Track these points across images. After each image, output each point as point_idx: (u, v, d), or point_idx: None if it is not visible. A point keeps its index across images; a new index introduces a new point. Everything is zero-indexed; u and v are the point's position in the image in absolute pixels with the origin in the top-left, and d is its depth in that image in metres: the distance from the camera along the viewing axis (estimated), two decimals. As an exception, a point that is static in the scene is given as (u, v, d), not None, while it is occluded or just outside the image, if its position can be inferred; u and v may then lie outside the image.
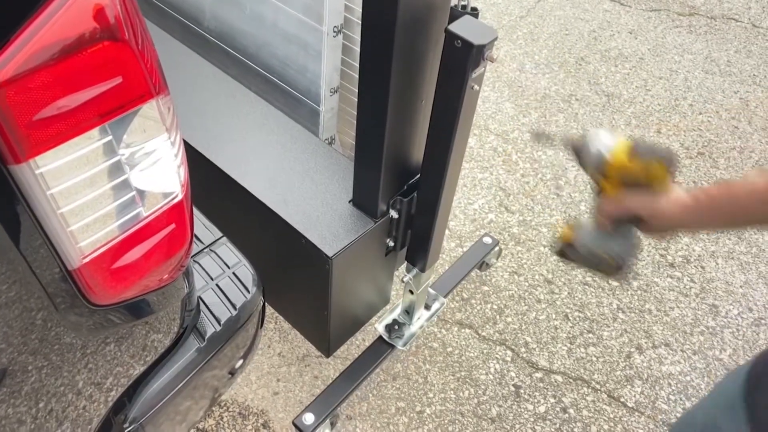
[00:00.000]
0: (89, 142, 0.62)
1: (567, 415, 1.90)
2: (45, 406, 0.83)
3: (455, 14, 1.12)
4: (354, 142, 1.36)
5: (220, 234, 1.20)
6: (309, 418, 1.59)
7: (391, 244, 1.53)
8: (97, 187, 0.66)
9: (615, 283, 2.25)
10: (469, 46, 1.04)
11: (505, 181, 2.61)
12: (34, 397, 0.80)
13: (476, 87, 1.13)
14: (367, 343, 1.92)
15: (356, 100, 1.25)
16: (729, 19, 3.66)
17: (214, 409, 1.84)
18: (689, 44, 3.49)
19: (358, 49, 1.46)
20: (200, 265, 1.14)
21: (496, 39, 1.07)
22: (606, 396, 1.95)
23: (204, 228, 1.21)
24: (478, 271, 2.23)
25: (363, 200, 1.41)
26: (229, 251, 1.17)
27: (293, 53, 1.57)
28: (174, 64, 1.70)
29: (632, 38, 3.50)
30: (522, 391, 1.95)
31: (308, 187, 1.46)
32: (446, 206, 1.45)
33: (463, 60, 1.07)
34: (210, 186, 1.52)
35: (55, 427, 0.87)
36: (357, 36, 1.43)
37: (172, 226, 0.78)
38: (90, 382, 0.87)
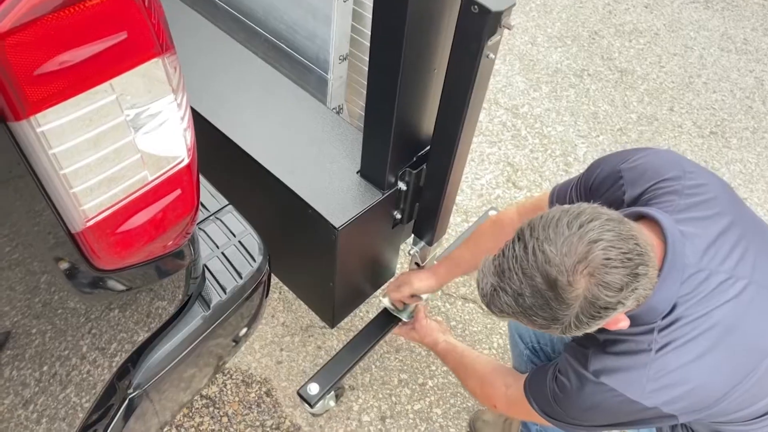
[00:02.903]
0: (93, 101, 0.60)
1: (569, 391, 1.91)
2: (49, 369, 0.82)
3: (472, -21, 1.07)
4: (362, 112, 1.33)
5: (226, 202, 1.18)
6: (314, 388, 1.60)
7: (399, 216, 1.51)
8: (101, 148, 0.63)
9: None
10: (486, 12, 1.01)
11: (513, 157, 2.58)
12: (38, 361, 0.79)
13: (491, 55, 1.09)
14: (371, 316, 1.92)
15: (366, 68, 1.22)
16: (748, -5, 3.57)
17: (217, 376, 1.85)
18: (705, 20, 3.41)
19: (368, 14, 1.41)
20: (206, 232, 1.12)
21: (514, 5, 1.03)
22: (608, 373, 1.95)
23: (209, 195, 1.19)
24: (484, 246, 2.21)
25: (371, 171, 1.39)
26: (235, 219, 1.15)
27: (302, 18, 1.53)
28: (179, 28, 1.65)
29: (647, 12, 3.41)
30: (524, 366, 1.95)
31: (315, 157, 1.43)
32: (456, 179, 1.43)
33: (479, 26, 1.03)
34: (215, 153, 1.49)
35: (59, 390, 0.87)
36: (368, 1, 1.39)
37: (178, 191, 0.76)
38: (94, 347, 0.87)
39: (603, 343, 1.04)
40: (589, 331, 0.95)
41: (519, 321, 0.97)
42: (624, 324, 0.97)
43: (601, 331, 1.02)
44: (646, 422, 1.04)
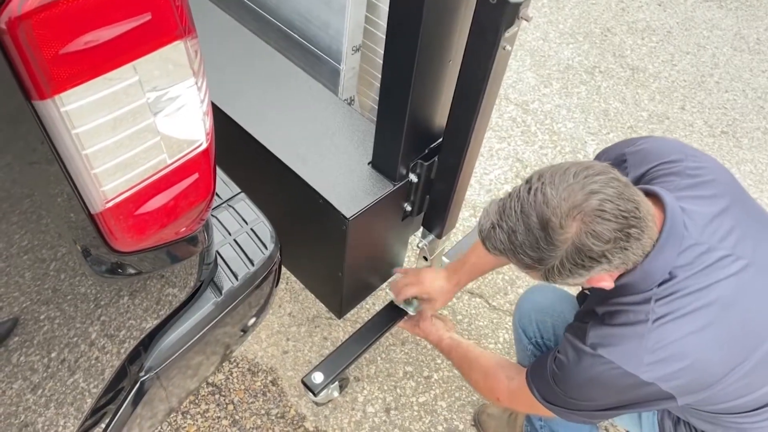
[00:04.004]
0: (116, 82, 0.60)
1: (574, 387, 1.91)
2: (57, 355, 0.82)
3: (490, -30, 1.07)
4: (374, 105, 1.33)
5: (238, 189, 1.18)
6: (318, 377, 1.60)
7: (409, 208, 1.51)
8: (122, 130, 0.63)
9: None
10: (504, 3, 1.00)
11: (522, 153, 2.57)
12: (46, 347, 0.79)
13: (508, 47, 1.09)
14: (377, 308, 1.92)
15: (378, 60, 1.21)
16: (762, -5, 3.54)
17: (224, 364, 1.86)
18: (719, 19, 3.38)
19: (382, 5, 1.41)
20: (218, 219, 1.12)
21: (532, -3, 1.02)
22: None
23: (222, 183, 1.19)
24: (492, 241, 2.21)
25: (382, 163, 1.39)
26: (247, 207, 1.15)
27: (315, 8, 1.52)
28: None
29: (661, 10, 3.39)
30: (530, 362, 1.95)
31: (327, 147, 1.43)
32: (467, 172, 1.42)
33: (496, 18, 1.03)
34: (227, 141, 1.49)
35: (68, 376, 0.87)
36: (383, -9, 1.38)
37: (196, 175, 0.76)
38: (103, 334, 0.87)
39: (602, 316, 1.05)
40: (569, 281, 0.98)
41: (508, 259, 1.00)
42: (607, 284, 0.99)
43: (600, 302, 1.04)
44: (644, 404, 1.04)
